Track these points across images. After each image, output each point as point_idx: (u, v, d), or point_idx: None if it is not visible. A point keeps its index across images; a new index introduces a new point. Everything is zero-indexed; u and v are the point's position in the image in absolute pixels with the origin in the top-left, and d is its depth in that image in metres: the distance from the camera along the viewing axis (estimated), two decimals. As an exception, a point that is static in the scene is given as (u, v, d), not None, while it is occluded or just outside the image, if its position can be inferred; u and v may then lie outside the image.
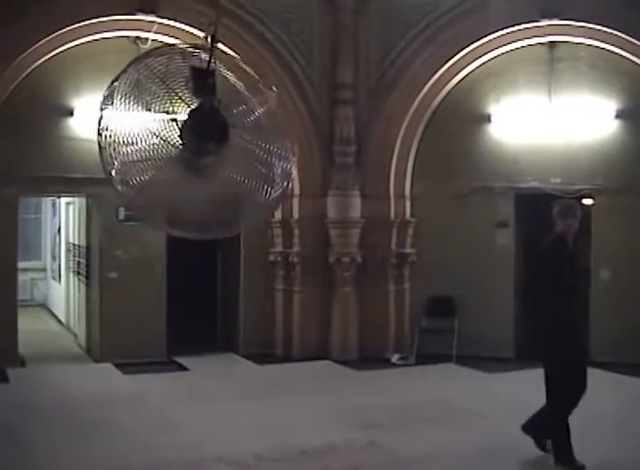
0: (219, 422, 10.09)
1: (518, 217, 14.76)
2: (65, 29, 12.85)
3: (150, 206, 5.50)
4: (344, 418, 10.30)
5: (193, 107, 5.35)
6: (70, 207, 17.15)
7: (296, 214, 14.61)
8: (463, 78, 14.66)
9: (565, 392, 8.38)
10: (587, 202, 14.59)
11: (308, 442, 9.06)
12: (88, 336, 14.68)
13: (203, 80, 5.37)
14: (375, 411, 10.71)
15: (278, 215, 14.76)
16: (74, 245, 16.51)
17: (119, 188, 5.49)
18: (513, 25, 13.72)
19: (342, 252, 14.46)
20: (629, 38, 13.18)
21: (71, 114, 13.72)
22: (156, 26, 13.36)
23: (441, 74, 14.42)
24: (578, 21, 13.41)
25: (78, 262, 15.88)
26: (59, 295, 19.20)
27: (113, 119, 5.41)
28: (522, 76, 14.29)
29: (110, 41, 13.57)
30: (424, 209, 14.91)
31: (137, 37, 13.72)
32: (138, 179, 5.29)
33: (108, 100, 5.39)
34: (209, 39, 5.74)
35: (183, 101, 5.36)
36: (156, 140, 5.25)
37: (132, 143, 5.28)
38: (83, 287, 15.14)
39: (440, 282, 14.56)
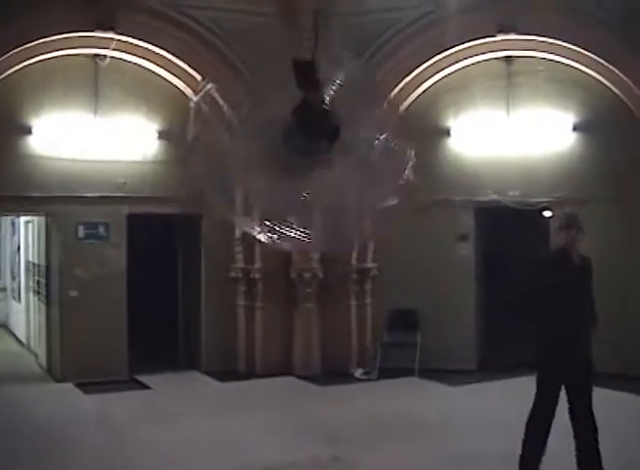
0: (182, 441, 10.01)
1: (478, 230, 14.84)
2: (23, 47, 12.78)
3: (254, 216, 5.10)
4: (308, 434, 10.27)
5: (296, 103, 5.02)
6: (30, 225, 17.00)
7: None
8: (422, 93, 14.73)
9: (533, 410, 8.16)
10: (546, 214, 14.69)
11: (272, 459, 9.02)
12: (49, 356, 14.52)
13: (306, 74, 5.05)
14: (338, 427, 10.68)
15: (239, 232, 14.71)
16: (34, 264, 16.36)
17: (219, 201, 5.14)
18: (471, 40, 13.84)
19: (303, 267, 14.44)
20: (585, 52, 13.34)
21: (30, 132, 13.60)
22: (114, 44, 13.32)
23: (401, 89, 14.47)
24: (535, 35, 13.55)
25: (38, 281, 15.73)
26: (19, 314, 19.00)
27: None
28: (480, 91, 14.37)
29: (68, 59, 13.52)
30: (384, 223, 14.92)
31: (96, 55, 13.67)
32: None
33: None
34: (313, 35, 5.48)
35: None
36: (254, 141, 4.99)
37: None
38: (43, 306, 14.98)
39: (402, 296, 14.58)
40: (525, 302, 8.11)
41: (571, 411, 7.95)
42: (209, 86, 5.29)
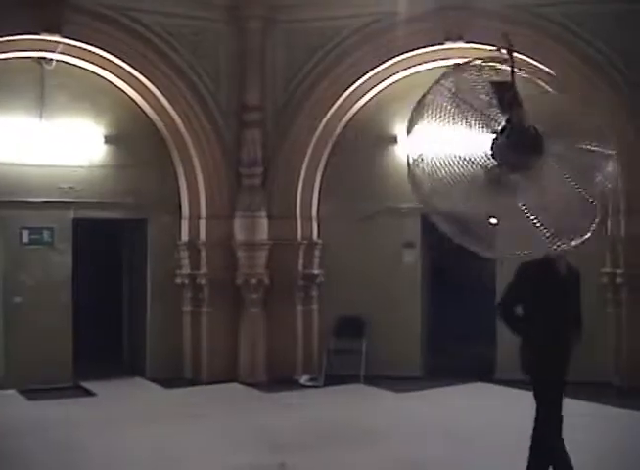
0: (125, 448, 9.95)
1: (424, 238, 14.90)
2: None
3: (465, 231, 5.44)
4: (253, 441, 10.26)
5: (502, 123, 5.24)
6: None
7: (203, 236, 14.54)
8: (369, 100, 14.78)
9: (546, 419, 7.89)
10: (493, 221, 14.78)
11: (217, 466, 9.00)
12: (-8, 362, 14.36)
13: (505, 94, 5.40)
14: (284, 433, 10.68)
15: (185, 237, 14.68)
16: (-23, 269, 16.18)
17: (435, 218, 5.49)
18: (418, 48, 13.91)
19: (249, 273, 14.42)
20: (529, 59, 13.42)
21: (-26, 135, 13.47)
22: (60, 47, 13.22)
23: (347, 97, 14.52)
24: (482, 43, 13.63)
25: (-19, 287, 15.56)
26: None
27: (423, 143, 5.40)
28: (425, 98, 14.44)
29: (14, 61, 13.36)
30: (331, 230, 14.96)
31: (41, 57, 13.54)
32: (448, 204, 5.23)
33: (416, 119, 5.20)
34: (506, 51, 5.55)
35: (490, 118, 5.27)
36: (466, 163, 5.15)
37: (446, 166, 5.13)
38: (-14, 312, 14.81)
39: (348, 303, 14.61)
40: (505, 311, 7.92)
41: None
42: None
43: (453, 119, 5.32)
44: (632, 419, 11.02)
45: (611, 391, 12.65)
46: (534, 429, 7.86)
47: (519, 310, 7.89)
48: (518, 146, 5.20)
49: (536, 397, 7.87)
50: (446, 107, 5.37)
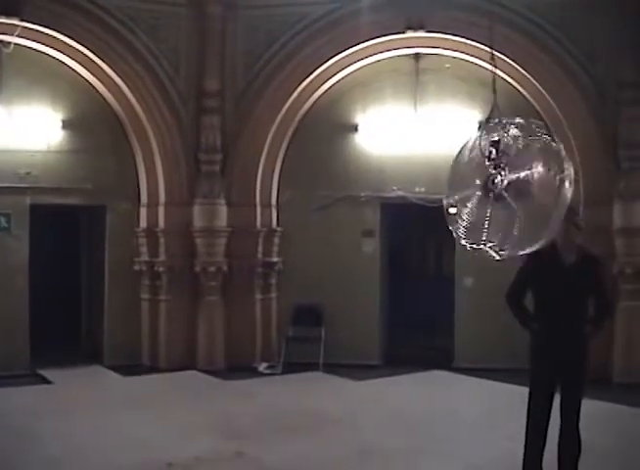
0: (83, 436, 9.86)
1: (383, 226, 14.94)
2: None
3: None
4: (211, 429, 10.21)
5: None
6: None
7: (161, 223, 14.47)
8: (329, 88, 14.76)
9: (528, 419, 7.41)
10: (452, 211, 14.82)
11: (174, 454, 8.94)
12: (-54, 349, 14.21)
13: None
14: (242, 421, 10.65)
15: (143, 224, 14.59)
16: None
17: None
18: (379, 37, 13.91)
19: (208, 261, 14.37)
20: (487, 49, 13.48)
21: None
22: (19, 30, 13.05)
23: (307, 84, 14.49)
24: (442, 33, 13.68)
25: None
26: None
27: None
28: (388, 87, 14.50)
29: (-30, 44, 13.21)
30: (290, 217, 14.94)
31: (0, 41, 13.37)
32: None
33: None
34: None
35: None
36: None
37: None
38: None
39: (307, 291, 14.61)
40: (509, 300, 7.49)
41: (560, 426, 7.36)
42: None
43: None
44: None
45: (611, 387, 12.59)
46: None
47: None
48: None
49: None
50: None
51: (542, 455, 7.31)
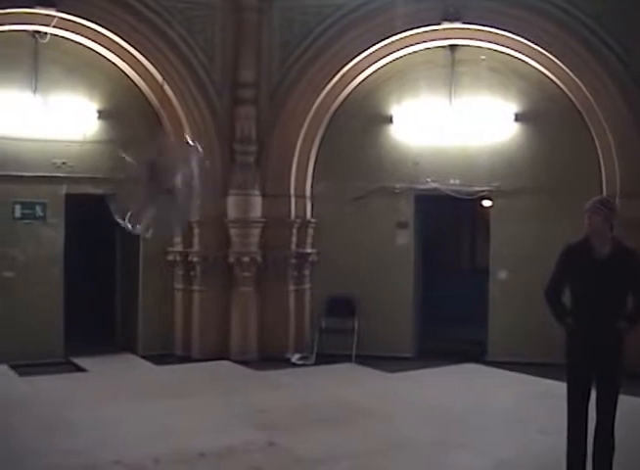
0: (117, 425, 9.92)
1: (417, 218, 14.89)
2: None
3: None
4: (244, 419, 10.23)
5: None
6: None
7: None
8: (364, 80, 14.72)
9: (568, 415, 7.33)
10: (486, 203, 14.80)
11: (207, 444, 8.97)
12: (-18, 337, 14.32)
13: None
14: (274, 412, 10.65)
15: (178, 214, 14.63)
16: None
17: None
18: (415, 28, 13.86)
19: (241, 251, 14.39)
20: (527, 42, 13.43)
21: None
22: (55, 21, 13.11)
23: (342, 75, 14.46)
24: (479, 24, 13.61)
25: (-27, 261, 15.50)
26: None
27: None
28: (423, 78, 14.44)
29: (7, 34, 13.26)
30: (325, 209, 14.93)
31: (36, 31, 13.43)
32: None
33: None
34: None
35: None
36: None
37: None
38: (-23, 287, 14.76)
39: (341, 282, 14.60)
40: (546, 294, 7.40)
41: (596, 423, 7.22)
42: None
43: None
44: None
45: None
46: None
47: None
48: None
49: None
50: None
51: (585, 451, 7.24)
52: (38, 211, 13.82)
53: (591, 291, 7.13)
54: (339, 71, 14.37)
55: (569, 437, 7.28)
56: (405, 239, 14.87)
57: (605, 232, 7.14)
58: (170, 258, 14.71)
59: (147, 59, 13.89)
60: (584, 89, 13.40)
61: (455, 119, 14.31)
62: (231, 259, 14.43)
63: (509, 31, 13.40)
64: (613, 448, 7.18)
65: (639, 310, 7.25)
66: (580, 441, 7.21)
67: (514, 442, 9.26)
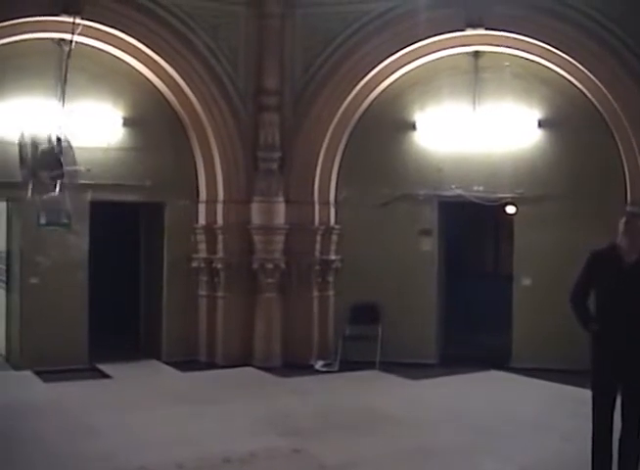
0: (142, 430, 9.97)
1: (441, 225, 14.88)
2: (-16, 31, 12.63)
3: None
4: (268, 425, 10.25)
5: None
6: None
7: (220, 220, 14.54)
8: (388, 86, 14.71)
9: (593, 422, 7.34)
10: (510, 210, 14.77)
11: (231, 450, 9.00)
12: (8, 343, 14.37)
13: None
14: (298, 418, 10.68)
15: (202, 221, 14.68)
16: (-6, 250, 16.21)
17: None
18: (438, 34, 13.85)
19: (265, 258, 14.41)
20: (550, 48, 13.40)
21: (-7, 117, 13.46)
22: (80, 28, 13.18)
23: (366, 82, 14.47)
24: (502, 30, 13.59)
25: (-2, 268, 15.60)
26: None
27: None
28: (446, 85, 14.42)
29: (33, 42, 13.33)
30: (348, 215, 14.93)
31: (61, 39, 13.50)
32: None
33: None
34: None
35: None
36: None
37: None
38: (3, 292, 14.83)
39: (364, 289, 14.58)
40: (571, 300, 7.40)
41: (620, 431, 7.26)
42: None
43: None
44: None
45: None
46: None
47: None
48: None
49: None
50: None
51: (611, 459, 7.23)
52: (63, 217, 13.87)
53: (617, 297, 7.12)
54: (362, 78, 14.38)
55: (593, 444, 7.26)
56: (429, 246, 14.85)
57: (635, 240, 7.13)
58: (194, 264, 14.74)
59: (171, 66, 13.94)
60: (608, 95, 13.35)
61: (479, 126, 14.29)
62: (255, 266, 14.45)
63: (532, 37, 13.37)
64: (638, 457, 7.17)
65: None
66: (606, 448, 7.20)
67: (538, 448, 9.24)
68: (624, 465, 7.21)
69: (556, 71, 13.86)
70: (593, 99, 13.75)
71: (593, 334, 7.29)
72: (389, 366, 13.91)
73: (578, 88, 13.81)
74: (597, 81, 13.34)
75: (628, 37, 13.12)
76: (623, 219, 7.19)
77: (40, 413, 10.83)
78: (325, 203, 14.88)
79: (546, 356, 13.64)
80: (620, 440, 7.22)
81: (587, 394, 7.32)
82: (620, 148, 13.65)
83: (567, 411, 10.45)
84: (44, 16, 12.95)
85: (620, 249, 7.17)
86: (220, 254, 14.53)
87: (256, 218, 14.50)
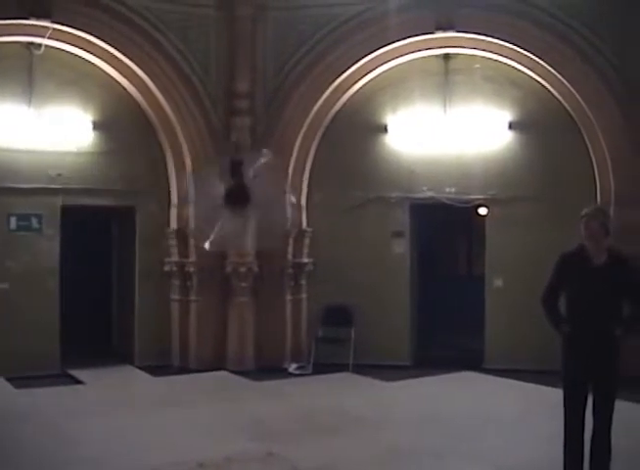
0: (115, 436, 9.91)
1: (413, 227, 14.91)
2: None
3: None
4: (242, 429, 10.23)
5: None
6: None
7: (191, 224, 14.49)
8: (359, 89, 14.75)
9: (565, 422, 7.34)
10: (482, 211, 14.82)
11: (205, 454, 8.96)
12: (-22, 349, 14.29)
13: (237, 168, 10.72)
14: (272, 422, 10.66)
15: (174, 225, 14.63)
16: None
17: None
18: (409, 37, 13.90)
19: (238, 262, 14.39)
20: (521, 50, 13.47)
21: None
22: (50, 32, 13.12)
23: (337, 85, 14.49)
24: (472, 33, 13.66)
25: (-32, 273, 15.47)
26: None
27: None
28: (418, 87, 14.46)
29: (2, 46, 13.25)
30: (321, 218, 14.93)
31: (30, 43, 13.44)
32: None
33: None
34: None
35: None
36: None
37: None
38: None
39: (337, 292, 14.60)
40: (543, 303, 7.43)
41: (592, 429, 7.24)
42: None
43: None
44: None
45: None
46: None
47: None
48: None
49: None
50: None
51: (582, 457, 7.27)
52: (34, 222, 13.80)
53: (587, 298, 7.17)
54: (333, 81, 14.40)
55: (565, 443, 7.30)
56: (401, 248, 14.88)
57: (602, 239, 7.19)
58: (167, 268, 14.69)
59: (142, 69, 13.90)
60: (578, 97, 13.45)
61: (450, 128, 14.34)
62: (228, 270, 14.43)
63: (503, 40, 13.45)
64: (610, 454, 7.22)
65: (634, 317, 7.33)
66: (577, 446, 7.24)
67: (511, 449, 9.26)
68: (596, 463, 7.24)
69: (526, 74, 13.95)
70: (563, 101, 13.84)
71: (564, 335, 7.33)
72: (363, 368, 13.93)
73: (549, 90, 13.90)
74: (567, 83, 13.44)
75: (598, 40, 13.24)
76: (582, 225, 7.22)
77: (14, 420, 10.74)
78: (297, 206, 14.87)
79: (518, 357, 13.71)
80: (592, 438, 7.26)
81: (559, 394, 7.35)
82: (590, 149, 13.75)
83: (540, 411, 10.48)
84: (12, 19, 12.89)
85: (588, 250, 7.21)
86: (192, 257, 14.49)
87: (229, 222, 14.45)
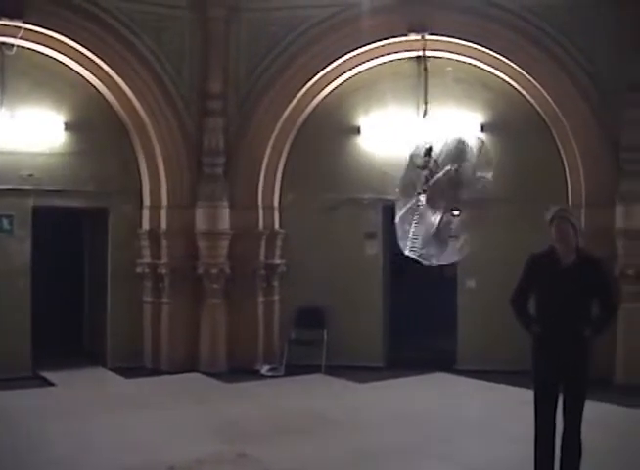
0: (86, 438, 9.88)
1: (386, 228, 14.91)
2: None
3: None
4: (214, 431, 10.22)
5: None
6: None
7: (164, 225, 14.47)
8: (332, 91, 14.76)
9: (536, 422, 7.37)
10: (455, 213, 14.82)
11: (177, 457, 8.94)
12: (-52, 351, 14.19)
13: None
14: (244, 423, 10.67)
15: (146, 226, 14.59)
16: None
17: None
18: (381, 39, 13.93)
19: (210, 263, 14.36)
20: (492, 53, 13.54)
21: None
22: (21, 32, 13.06)
23: (310, 87, 14.49)
24: (444, 36, 13.70)
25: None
26: None
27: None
28: (390, 89, 14.47)
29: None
30: (293, 220, 14.94)
31: (2, 43, 13.36)
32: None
33: None
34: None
35: None
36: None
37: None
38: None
39: (310, 293, 14.61)
40: (512, 304, 7.48)
41: (563, 428, 7.30)
42: None
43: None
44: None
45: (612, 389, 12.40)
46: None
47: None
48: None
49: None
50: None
51: (553, 457, 7.31)
52: (5, 224, 13.72)
53: (557, 299, 7.21)
54: (306, 83, 14.40)
55: (536, 443, 7.34)
56: (374, 249, 14.91)
57: (572, 240, 7.24)
58: (139, 270, 14.64)
59: (114, 70, 13.85)
60: (549, 98, 13.53)
61: (422, 130, 14.35)
62: (200, 271, 14.40)
63: (474, 42, 13.52)
64: (580, 454, 7.27)
65: (604, 318, 7.42)
66: (548, 446, 7.28)
67: (483, 450, 9.31)
68: (567, 462, 7.29)
69: (498, 76, 14.01)
70: (534, 103, 13.92)
71: (534, 335, 7.37)
72: (335, 370, 13.94)
73: (520, 92, 13.98)
74: (538, 85, 13.51)
75: (570, 44, 13.33)
76: (553, 227, 7.24)
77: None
78: (269, 207, 14.87)
79: (491, 358, 13.75)
80: (563, 438, 7.30)
81: (531, 394, 7.39)
82: (561, 150, 13.82)
83: (512, 412, 10.52)
84: (-16, 19, 12.83)
85: (558, 251, 7.25)
86: (165, 259, 14.45)
87: (201, 223, 14.44)
